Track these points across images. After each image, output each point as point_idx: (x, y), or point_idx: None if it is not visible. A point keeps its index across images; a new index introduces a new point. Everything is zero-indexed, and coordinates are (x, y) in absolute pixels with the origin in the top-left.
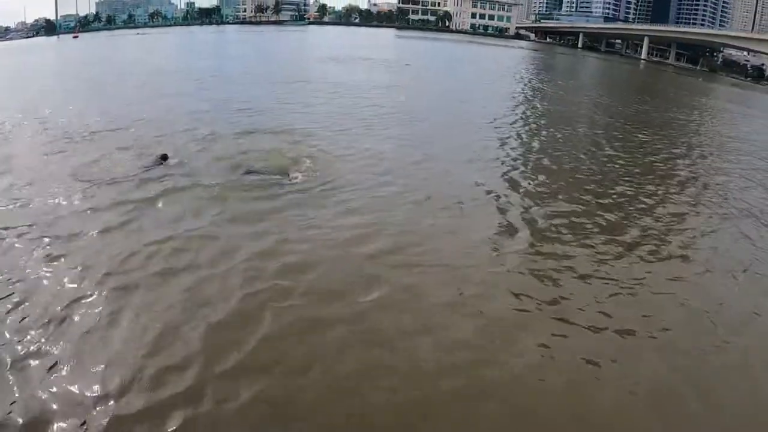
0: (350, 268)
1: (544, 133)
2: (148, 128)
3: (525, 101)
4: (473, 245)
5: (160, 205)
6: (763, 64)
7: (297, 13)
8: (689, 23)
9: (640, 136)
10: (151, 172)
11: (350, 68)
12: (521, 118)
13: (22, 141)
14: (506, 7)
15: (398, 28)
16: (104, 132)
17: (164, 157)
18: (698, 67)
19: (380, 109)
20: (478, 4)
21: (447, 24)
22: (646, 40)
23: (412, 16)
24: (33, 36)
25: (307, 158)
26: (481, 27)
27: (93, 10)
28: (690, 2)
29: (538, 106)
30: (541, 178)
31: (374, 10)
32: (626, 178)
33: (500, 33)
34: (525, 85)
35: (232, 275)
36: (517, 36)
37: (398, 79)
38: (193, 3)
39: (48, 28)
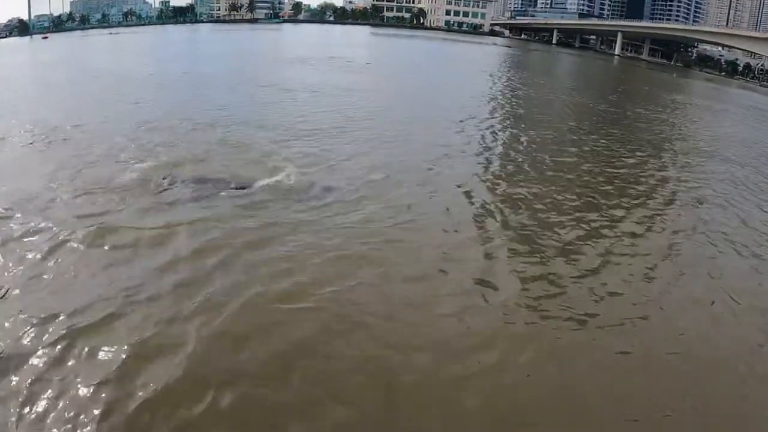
0: None
1: (510, 138)
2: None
3: (493, 103)
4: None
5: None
6: (737, 59)
7: (271, 12)
8: (663, 19)
9: (607, 138)
10: None
11: (321, 70)
12: (487, 121)
13: None
14: (480, 3)
15: (373, 25)
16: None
17: None
18: (672, 63)
19: (359, 111)
20: (453, 1)
21: (422, 21)
22: (619, 36)
23: (386, 14)
24: (5, 36)
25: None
26: (455, 24)
27: (67, 10)
28: None
29: (507, 108)
30: (504, 185)
31: (350, 7)
32: (587, 180)
33: (475, 30)
34: (495, 84)
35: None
36: (492, 33)
37: (376, 84)
38: (168, 2)
39: (21, 28)
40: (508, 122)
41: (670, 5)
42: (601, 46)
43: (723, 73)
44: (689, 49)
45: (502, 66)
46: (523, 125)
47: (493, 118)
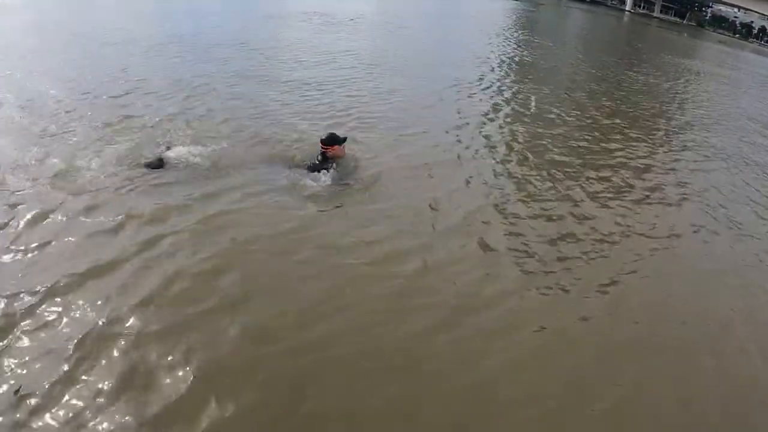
0: None
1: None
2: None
3: (494, 68)
4: None
5: None
6: (752, 22)
7: None
8: None
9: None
10: None
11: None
12: (486, 90)
13: None
14: None
15: None
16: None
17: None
18: (685, 21)
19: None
20: None
21: None
22: None
23: None
24: None
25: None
26: None
27: None
28: None
29: (508, 78)
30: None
31: None
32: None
33: None
34: (497, 47)
35: None
36: None
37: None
38: None
39: None
40: (513, 100)
41: None
42: (613, 2)
43: (737, 35)
44: (703, 9)
45: (507, 26)
46: (528, 101)
47: (493, 91)
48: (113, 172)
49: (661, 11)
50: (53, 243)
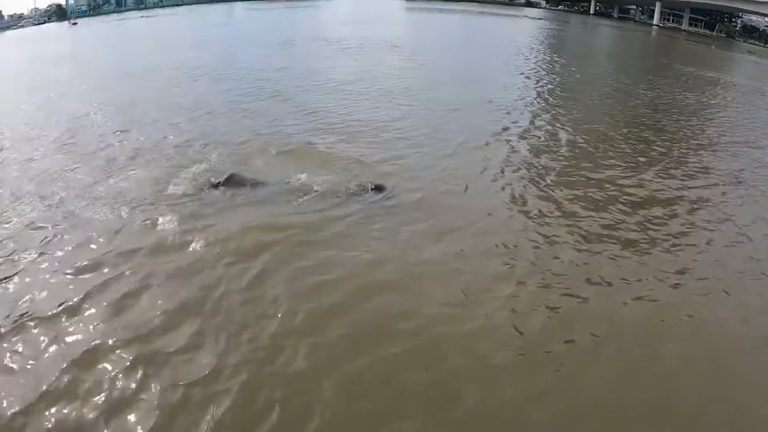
0: None
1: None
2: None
3: (525, 89)
4: None
5: None
6: None
7: None
8: None
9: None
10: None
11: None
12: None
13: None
14: None
15: None
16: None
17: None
18: (714, 33)
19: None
20: None
21: None
22: (657, 6)
23: None
24: (44, 22)
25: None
26: None
27: None
28: None
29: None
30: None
31: None
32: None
33: (510, 1)
34: (528, 68)
35: None
36: (528, 3)
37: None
38: None
39: (59, 13)
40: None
41: None
42: (641, 16)
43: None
44: (733, 19)
45: (537, 48)
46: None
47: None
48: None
49: (690, 24)
50: None
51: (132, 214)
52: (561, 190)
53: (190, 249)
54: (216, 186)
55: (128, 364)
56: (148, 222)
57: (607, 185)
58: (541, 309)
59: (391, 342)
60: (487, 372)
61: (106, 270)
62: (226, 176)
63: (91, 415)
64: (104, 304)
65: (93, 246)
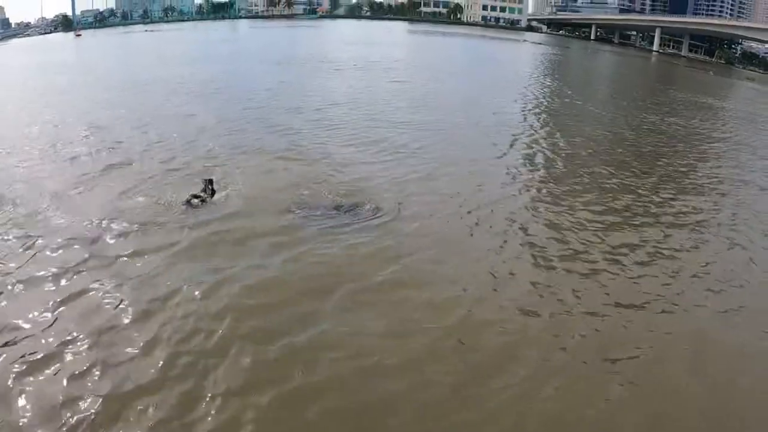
0: None
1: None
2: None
3: (524, 118)
4: None
5: None
6: None
7: (309, 7)
8: (707, 14)
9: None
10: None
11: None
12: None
13: None
14: None
15: (410, 21)
16: None
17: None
18: (714, 59)
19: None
20: None
21: (458, 16)
22: (657, 32)
23: (423, 8)
24: (50, 32)
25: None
26: (492, 19)
27: (112, 6)
28: None
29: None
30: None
31: (392, 2)
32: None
33: (512, 25)
34: (527, 97)
35: None
36: (530, 28)
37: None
38: None
39: (65, 24)
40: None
41: (714, 0)
42: (642, 42)
43: None
44: (733, 46)
45: (537, 74)
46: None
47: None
48: None
49: (690, 50)
50: None
51: (89, 230)
52: (559, 216)
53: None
54: (189, 202)
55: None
56: (109, 239)
57: (578, 207)
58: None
59: None
60: None
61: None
62: (200, 190)
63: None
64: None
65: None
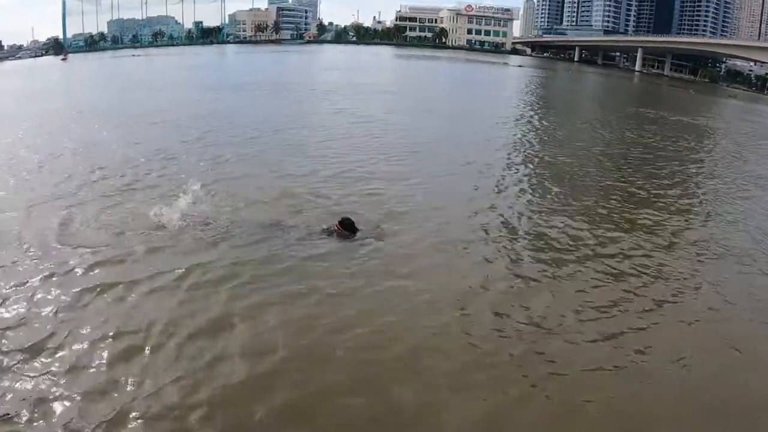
0: None
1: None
2: None
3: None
4: None
5: None
6: (767, 74)
7: (296, 32)
8: (691, 33)
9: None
10: None
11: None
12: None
13: None
14: (502, 22)
15: (396, 45)
16: None
17: None
18: (697, 78)
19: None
20: (474, 20)
21: (443, 40)
22: (639, 52)
23: (409, 33)
24: (42, 55)
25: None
26: (477, 43)
27: (104, 29)
28: (692, 13)
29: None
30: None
31: (379, 27)
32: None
33: (496, 48)
34: (514, 119)
35: None
36: (514, 51)
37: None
38: (201, 23)
39: (56, 47)
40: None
41: (697, 20)
42: (625, 63)
43: (753, 89)
44: (717, 64)
45: (520, 100)
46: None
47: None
48: None
49: (673, 69)
50: None
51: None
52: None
53: None
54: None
55: None
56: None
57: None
58: None
59: None
60: None
61: None
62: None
63: None
64: None
65: None
